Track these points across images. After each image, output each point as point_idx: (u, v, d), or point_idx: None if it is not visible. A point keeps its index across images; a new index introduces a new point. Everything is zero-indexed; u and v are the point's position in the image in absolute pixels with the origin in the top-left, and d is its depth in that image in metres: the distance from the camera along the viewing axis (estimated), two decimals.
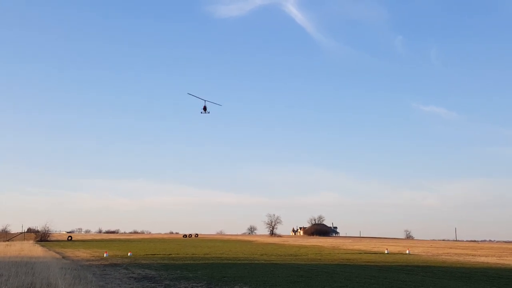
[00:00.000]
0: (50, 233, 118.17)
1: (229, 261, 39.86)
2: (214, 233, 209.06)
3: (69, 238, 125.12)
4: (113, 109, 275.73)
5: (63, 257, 45.54)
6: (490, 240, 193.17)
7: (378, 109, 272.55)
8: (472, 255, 54.80)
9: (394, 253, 58.46)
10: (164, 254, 50.12)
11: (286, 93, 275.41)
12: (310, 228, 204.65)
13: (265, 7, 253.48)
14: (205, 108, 50.90)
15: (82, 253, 53.42)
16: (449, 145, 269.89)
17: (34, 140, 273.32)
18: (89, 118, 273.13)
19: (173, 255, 48.38)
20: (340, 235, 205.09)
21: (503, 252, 65.53)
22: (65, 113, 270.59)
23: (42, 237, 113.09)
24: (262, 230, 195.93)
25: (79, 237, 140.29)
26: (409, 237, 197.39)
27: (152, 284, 22.72)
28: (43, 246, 75.67)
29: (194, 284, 22.43)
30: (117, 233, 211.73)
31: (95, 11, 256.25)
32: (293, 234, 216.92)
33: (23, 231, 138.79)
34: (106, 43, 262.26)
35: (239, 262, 39.28)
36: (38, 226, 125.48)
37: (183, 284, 22.70)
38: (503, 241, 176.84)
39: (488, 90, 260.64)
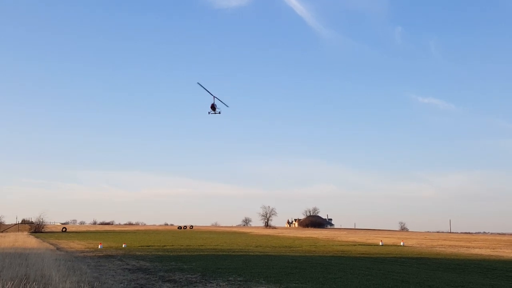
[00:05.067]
0: (44, 225, 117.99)
1: (224, 253, 39.89)
2: (209, 224, 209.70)
3: (64, 229, 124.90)
4: (110, 102, 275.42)
5: (58, 249, 45.45)
6: (484, 232, 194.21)
7: (376, 100, 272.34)
8: (466, 247, 55.04)
9: (389, 245, 58.65)
10: (159, 246, 50.12)
11: (282, 84, 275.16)
12: (305, 220, 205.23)
13: None
14: (213, 108, 40.40)
15: (76, 245, 53.36)
16: (446, 137, 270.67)
17: (29, 132, 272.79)
18: (85, 111, 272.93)
19: (167, 247, 48.40)
20: (335, 227, 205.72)
21: (497, 244, 65.84)
22: (61, 105, 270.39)
23: (36, 228, 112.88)
24: (257, 222, 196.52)
25: (73, 229, 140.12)
26: (403, 229, 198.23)
27: (147, 276, 22.69)
28: (37, 237, 75.55)
29: (188, 276, 22.42)
30: (112, 224, 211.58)
31: (92, 7, 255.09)
32: (288, 226, 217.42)
33: (17, 222, 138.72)
34: (101, 38, 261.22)
35: (233, 253, 39.31)
36: (33, 217, 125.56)
37: (177, 275, 22.68)
38: (497, 233, 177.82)
39: (487, 82, 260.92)
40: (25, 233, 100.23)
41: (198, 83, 39.47)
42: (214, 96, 40.22)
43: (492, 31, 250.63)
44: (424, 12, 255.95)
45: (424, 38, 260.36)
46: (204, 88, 39.71)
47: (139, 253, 38.64)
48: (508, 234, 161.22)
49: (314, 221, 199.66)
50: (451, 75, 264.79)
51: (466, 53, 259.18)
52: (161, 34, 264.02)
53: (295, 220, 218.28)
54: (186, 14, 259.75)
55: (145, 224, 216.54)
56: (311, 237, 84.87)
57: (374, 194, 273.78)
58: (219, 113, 40.60)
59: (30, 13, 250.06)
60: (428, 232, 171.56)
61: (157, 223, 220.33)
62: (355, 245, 57.84)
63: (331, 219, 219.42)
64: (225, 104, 41.12)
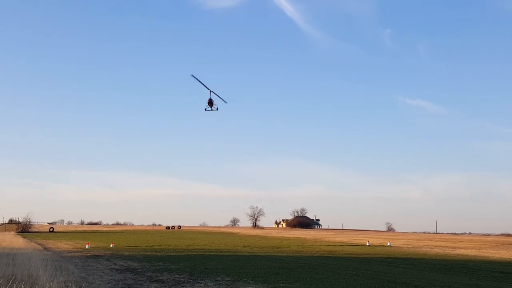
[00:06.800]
0: (31, 224, 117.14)
1: (212, 253, 39.93)
2: (197, 225, 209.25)
3: (51, 229, 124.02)
4: (99, 103, 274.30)
5: (45, 249, 45.21)
6: (470, 233, 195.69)
7: (364, 102, 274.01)
8: (452, 248, 55.51)
9: (376, 245, 58.99)
10: (147, 246, 50.01)
11: (271, 85, 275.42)
12: (292, 220, 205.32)
13: None
14: (211, 103, 36.19)
15: (64, 245, 53.08)
16: (434, 139, 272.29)
17: (18, 132, 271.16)
18: (75, 111, 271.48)
19: (155, 247, 48.31)
20: (322, 228, 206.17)
21: (483, 244, 66.47)
22: (49, 105, 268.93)
23: (23, 228, 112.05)
24: (245, 222, 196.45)
25: (61, 229, 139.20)
26: (390, 229, 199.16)
27: (134, 276, 22.69)
28: (24, 237, 75.02)
29: (176, 276, 22.45)
30: (100, 224, 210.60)
31: (84, 9, 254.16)
32: (276, 226, 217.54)
33: (4, 222, 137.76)
34: (94, 39, 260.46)
35: (221, 254, 39.36)
36: (20, 217, 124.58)
37: (165, 275, 22.70)
38: (483, 234, 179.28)
39: (475, 84, 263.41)
40: (12, 233, 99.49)
41: (192, 75, 35.62)
42: (211, 91, 36.27)
43: (480, 34, 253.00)
44: (413, 14, 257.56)
45: (413, 41, 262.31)
46: (199, 81, 35.91)
47: (127, 253, 38.55)
48: (494, 235, 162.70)
49: (302, 222, 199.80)
50: (439, 77, 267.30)
51: (454, 55, 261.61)
52: (152, 35, 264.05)
53: (283, 220, 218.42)
54: (177, 14, 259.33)
55: (133, 224, 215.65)
56: (299, 237, 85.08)
57: (362, 195, 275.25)
58: (216, 109, 36.78)
59: (26, 13, 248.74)
60: (415, 232, 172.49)
61: (145, 223, 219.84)
62: (342, 245, 58.10)
63: (318, 220, 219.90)
64: (223, 100, 37.40)
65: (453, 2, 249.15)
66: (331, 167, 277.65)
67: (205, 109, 36.59)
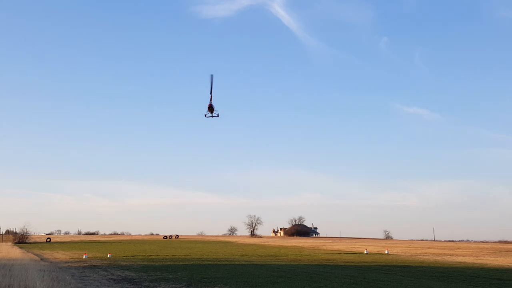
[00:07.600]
0: (28, 235, 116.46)
1: (210, 262, 39.82)
2: (195, 234, 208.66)
3: (48, 240, 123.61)
4: (95, 111, 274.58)
5: (42, 259, 45.02)
6: (467, 240, 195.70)
7: (361, 110, 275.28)
8: (450, 255, 55.47)
9: (373, 253, 58.91)
10: (144, 256, 49.84)
11: (268, 94, 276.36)
12: (290, 228, 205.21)
13: (252, 7, 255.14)
14: (211, 109, 34.10)
15: (61, 255, 52.85)
16: (431, 146, 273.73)
17: (14, 142, 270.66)
18: (70, 120, 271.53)
19: (153, 257, 48.16)
20: (320, 236, 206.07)
21: (480, 252, 66.44)
22: (45, 114, 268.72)
23: (20, 239, 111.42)
24: (243, 231, 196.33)
25: (58, 239, 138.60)
26: (388, 237, 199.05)
27: (132, 286, 22.63)
28: (21, 248, 74.65)
29: (174, 285, 22.41)
30: (97, 234, 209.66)
31: (81, 15, 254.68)
32: (274, 234, 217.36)
33: (1, 233, 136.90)
34: (89, 46, 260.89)
35: (219, 263, 39.27)
36: (17, 227, 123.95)
37: (163, 285, 22.65)
38: (480, 241, 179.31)
39: (471, 92, 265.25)
40: (9, 243, 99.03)
41: (211, 75, 33.70)
42: (211, 97, 34.49)
43: (475, 42, 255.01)
44: (410, 23, 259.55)
45: (409, 48, 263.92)
46: (211, 84, 33.99)
47: (124, 263, 38.41)
48: (491, 242, 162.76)
49: (300, 230, 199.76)
50: (435, 85, 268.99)
51: (450, 63, 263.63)
52: (148, 42, 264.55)
53: (281, 229, 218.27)
54: (173, 23, 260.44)
55: (130, 234, 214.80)
56: (297, 246, 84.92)
57: (359, 202, 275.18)
58: (217, 116, 34.68)
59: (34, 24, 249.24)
60: (412, 240, 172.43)
61: (143, 233, 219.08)
62: (340, 253, 58.00)
63: (316, 228, 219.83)
64: (214, 112, 35.03)
65: (449, 11, 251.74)
66: (328, 175, 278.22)
67: (205, 115, 34.66)
